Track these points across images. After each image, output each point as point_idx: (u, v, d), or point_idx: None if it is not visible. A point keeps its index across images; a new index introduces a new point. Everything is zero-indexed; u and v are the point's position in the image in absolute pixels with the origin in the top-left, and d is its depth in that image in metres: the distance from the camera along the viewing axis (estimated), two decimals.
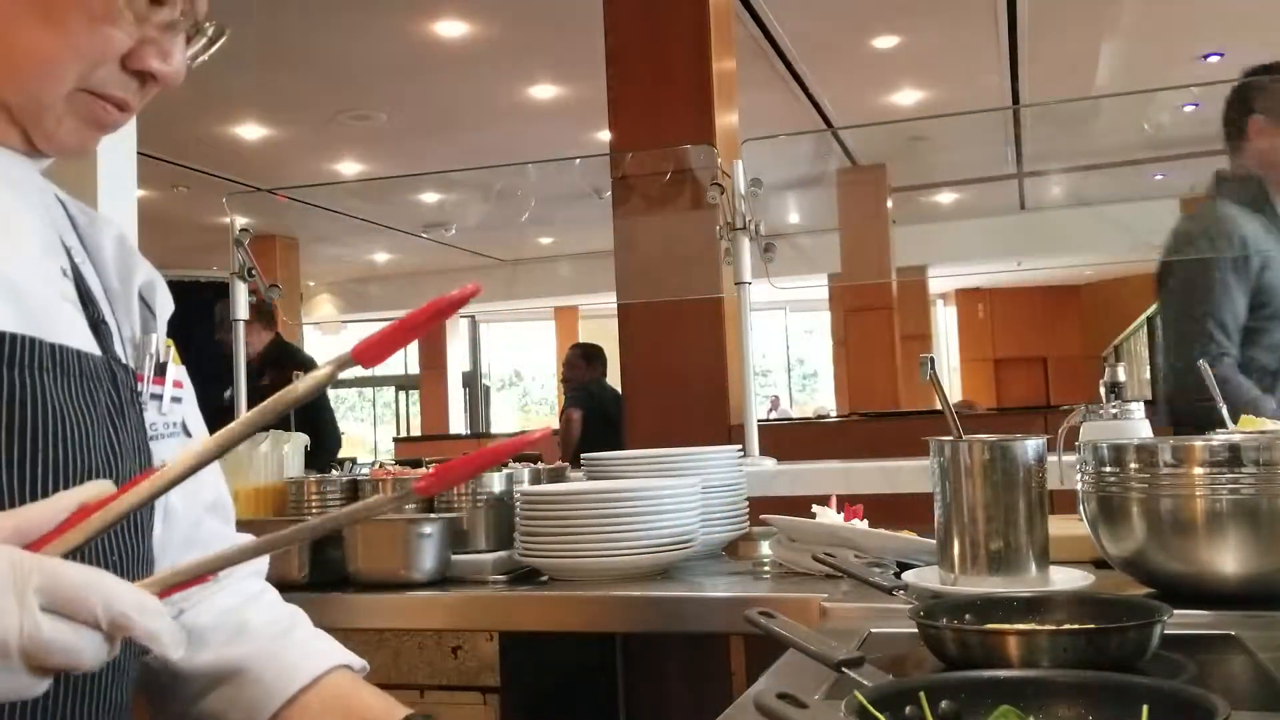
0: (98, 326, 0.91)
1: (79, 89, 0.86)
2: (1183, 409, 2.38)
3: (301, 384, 0.66)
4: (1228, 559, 1.22)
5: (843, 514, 1.76)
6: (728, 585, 1.73)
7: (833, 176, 9.11)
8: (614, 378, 3.66)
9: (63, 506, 0.65)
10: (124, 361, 0.94)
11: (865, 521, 1.73)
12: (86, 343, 0.88)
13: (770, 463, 2.58)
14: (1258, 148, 2.54)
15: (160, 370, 0.98)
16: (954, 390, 14.39)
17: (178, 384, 1.00)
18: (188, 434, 1.02)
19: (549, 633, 1.72)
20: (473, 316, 16.00)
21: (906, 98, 8.19)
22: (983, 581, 1.31)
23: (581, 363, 6.62)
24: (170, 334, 1.03)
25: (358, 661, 1.04)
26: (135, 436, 0.92)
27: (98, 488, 0.67)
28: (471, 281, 0.68)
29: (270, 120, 8.20)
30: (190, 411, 1.04)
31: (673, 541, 1.77)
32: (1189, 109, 7.65)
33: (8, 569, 0.59)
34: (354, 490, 2.08)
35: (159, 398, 0.97)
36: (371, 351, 0.65)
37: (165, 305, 1.04)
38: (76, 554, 0.64)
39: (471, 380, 16.17)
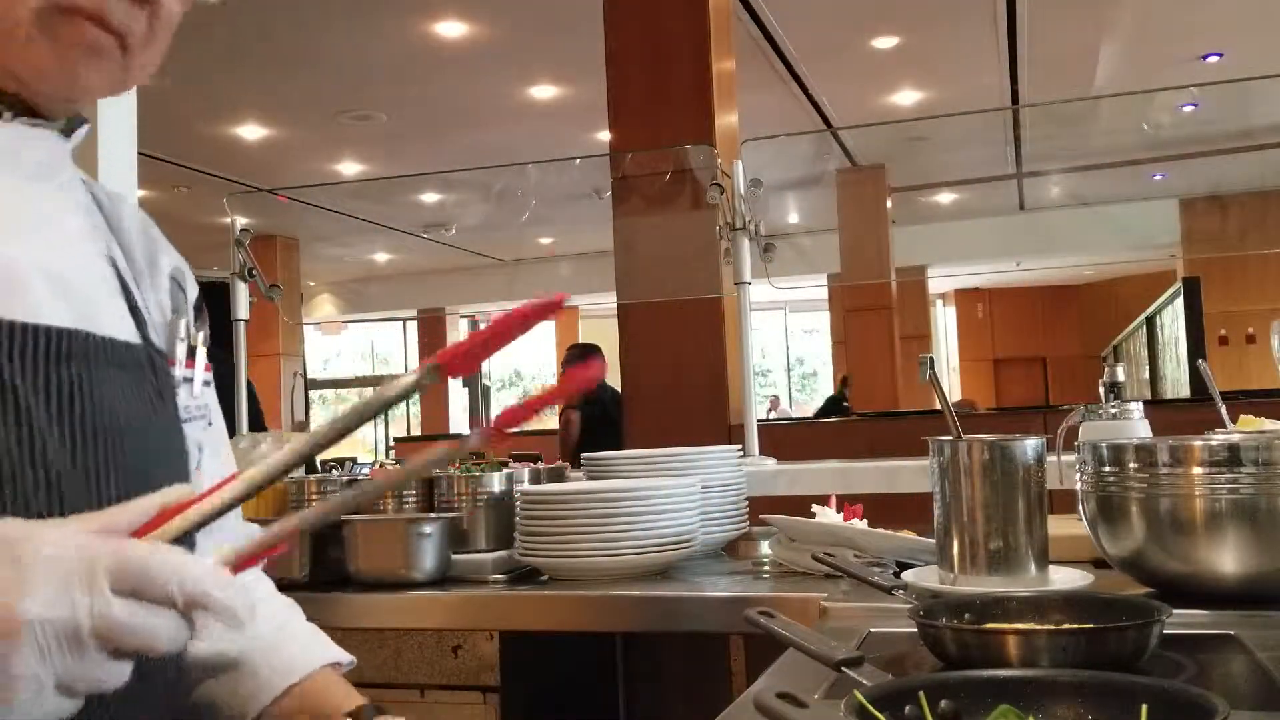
0: (134, 312, 0.91)
1: (47, 4, 0.80)
2: None
3: (391, 388, 0.66)
4: (1227, 559, 1.22)
5: (842, 514, 1.76)
6: (728, 585, 1.73)
7: (832, 176, 9.11)
8: (614, 378, 3.66)
9: (143, 509, 0.65)
10: (159, 347, 0.93)
11: (865, 521, 1.73)
12: (129, 332, 0.88)
13: (770, 462, 2.58)
14: None
15: (191, 354, 0.97)
16: (954, 390, 14.38)
17: (207, 367, 0.99)
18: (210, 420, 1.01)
19: (549, 632, 1.72)
20: (473, 316, 15.99)
21: (906, 98, 8.19)
22: (982, 581, 1.31)
23: (579, 363, 6.62)
24: None
25: (346, 657, 1.04)
26: (173, 423, 0.91)
27: (178, 492, 0.67)
28: (559, 292, 0.67)
29: (270, 120, 8.20)
30: (212, 396, 1.03)
31: (672, 541, 1.77)
32: (1188, 109, 7.67)
33: (75, 551, 0.58)
34: None
35: (190, 381, 0.96)
36: (459, 361, 0.63)
37: (193, 289, 1.03)
38: None
39: (471, 380, 16.16)
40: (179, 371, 0.95)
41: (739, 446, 2.15)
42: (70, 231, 0.88)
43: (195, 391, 0.97)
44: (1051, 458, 1.40)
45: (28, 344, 0.77)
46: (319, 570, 1.80)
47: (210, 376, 1.00)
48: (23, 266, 0.80)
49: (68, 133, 0.89)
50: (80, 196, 0.93)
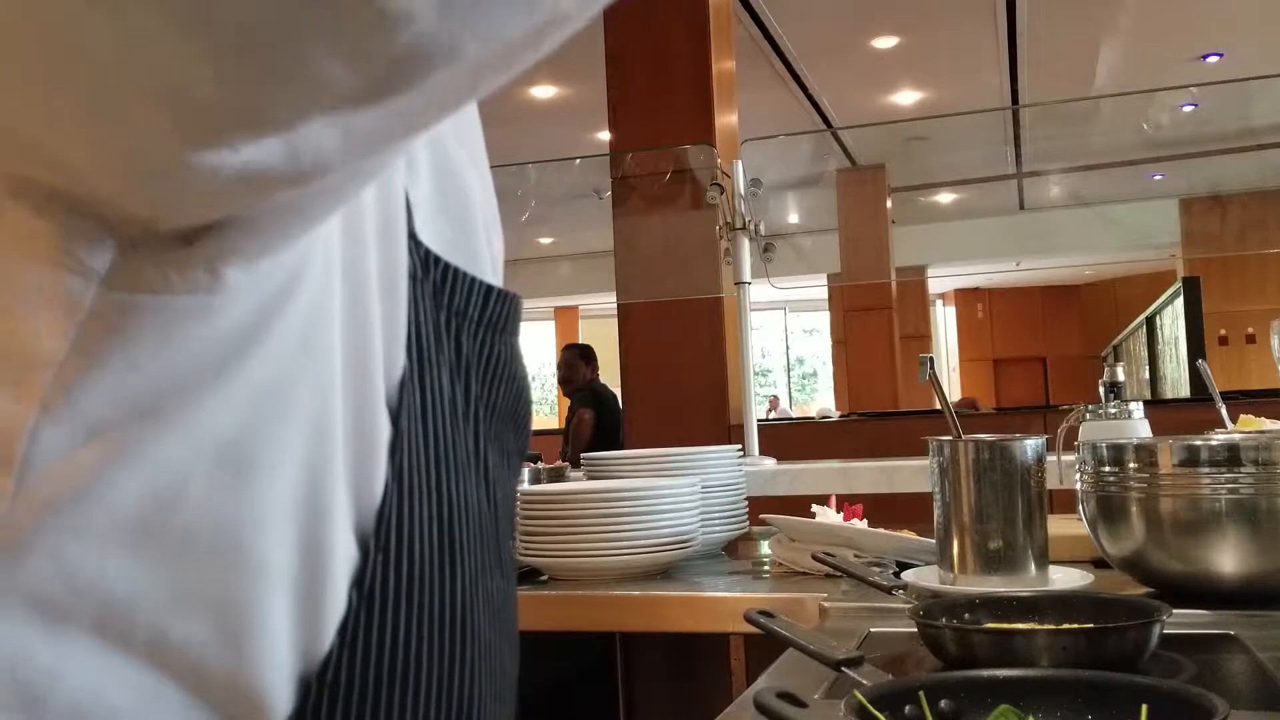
0: None
1: None
2: None
3: None
4: (1227, 559, 1.22)
5: (842, 514, 1.76)
6: (728, 585, 1.73)
7: (832, 176, 9.11)
8: (614, 378, 3.67)
9: None
10: None
11: (865, 521, 1.73)
12: None
13: (770, 462, 2.58)
14: None
15: None
16: (954, 390, 14.38)
17: None
18: None
19: (549, 633, 1.72)
20: None
21: (906, 98, 8.20)
22: (982, 581, 1.31)
23: (580, 363, 6.62)
24: None
25: None
26: None
27: None
28: None
29: None
30: None
31: (672, 541, 1.77)
32: (1188, 109, 7.67)
33: None
34: None
35: None
36: None
37: None
38: None
39: None
40: None
41: (739, 446, 2.15)
42: (487, 170, 0.66)
43: None
44: (1051, 458, 1.40)
45: (475, 306, 0.59)
46: None
47: None
48: (477, 209, 0.61)
49: None
50: None
